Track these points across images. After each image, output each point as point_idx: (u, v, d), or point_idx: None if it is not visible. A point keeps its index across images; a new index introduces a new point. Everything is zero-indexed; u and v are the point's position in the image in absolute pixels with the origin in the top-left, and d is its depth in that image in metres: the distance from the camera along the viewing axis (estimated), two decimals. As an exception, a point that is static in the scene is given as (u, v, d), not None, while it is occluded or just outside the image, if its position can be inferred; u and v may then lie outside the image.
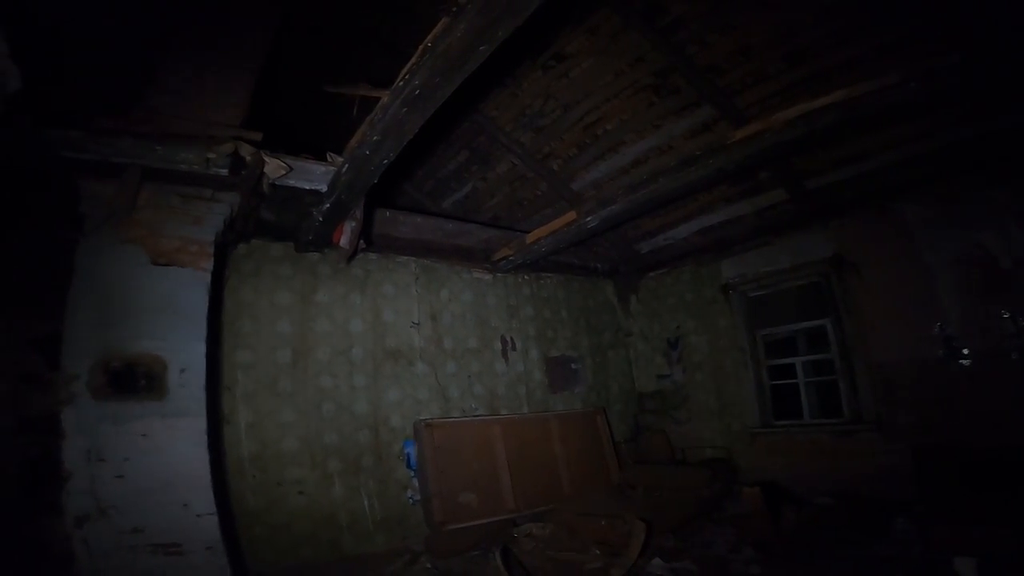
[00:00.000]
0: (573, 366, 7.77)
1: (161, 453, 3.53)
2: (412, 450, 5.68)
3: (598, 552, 4.90)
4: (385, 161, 3.68)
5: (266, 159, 3.82)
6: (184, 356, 3.75)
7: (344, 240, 4.88)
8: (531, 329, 7.40)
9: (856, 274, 5.98)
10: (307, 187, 4.19)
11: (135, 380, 3.56)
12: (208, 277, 3.94)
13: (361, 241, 5.01)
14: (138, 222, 3.69)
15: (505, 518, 5.70)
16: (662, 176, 4.81)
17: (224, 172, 3.74)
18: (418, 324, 6.28)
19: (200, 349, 3.81)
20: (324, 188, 4.24)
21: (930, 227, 5.45)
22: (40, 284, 3.33)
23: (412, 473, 5.67)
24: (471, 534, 5.40)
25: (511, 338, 7.13)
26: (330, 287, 5.67)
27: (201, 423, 3.72)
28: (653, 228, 7.35)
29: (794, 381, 6.76)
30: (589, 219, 5.46)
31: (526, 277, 7.48)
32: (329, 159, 4.15)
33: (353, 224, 4.72)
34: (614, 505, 5.79)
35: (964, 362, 5.26)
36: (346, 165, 3.84)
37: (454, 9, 2.48)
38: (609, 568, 4.56)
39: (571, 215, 5.62)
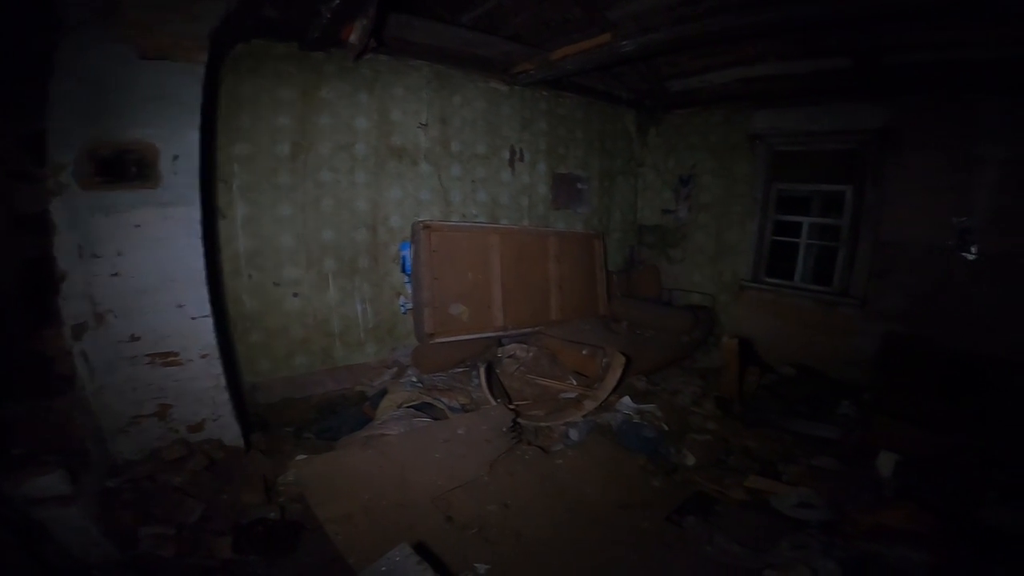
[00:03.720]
0: (579, 186, 7.65)
1: (156, 246, 3.53)
2: (408, 253, 5.64)
3: (574, 382, 5.25)
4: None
5: (268, -52, 3.26)
6: (177, 143, 3.60)
7: (354, 36, 4.40)
8: (542, 143, 7.12)
9: (897, 149, 5.59)
10: (317, -18, 3.64)
11: (125, 167, 3.43)
12: (202, 70, 3.64)
13: (372, 40, 4.51)
14: (126, 21, 3.31)
15: (492, 335, 5.94)
16: (722, 13, 4.24)
17: (221, -35, 3.23)
18: (426, 125, 5.97)
19: (194, 136, 3.65)
20: (336, -19, 3.69)
21: (1003, 121, 4.94)
22: (22, 84, 3.05)
23: (406, 278, 5.74)
24: (458, 349, 5.65)
25: (520, 149, 6.88)
26: (335, 85, 5.25)
27: (196, 212, 3.67)
28: (690, 69, 6.67)
29: (796, 240, 6.72)
30: (624, 43, 4.96)
31: (544, 93, 7.00)
32: (343, -50, 3.54)
33: (365, 22, 4.22)
34: (598, 336, 6.04)
35: (971, 257, 5.17)
36: (362, -45, 3.32)
37: None
38: (583, 399, 4.92)
39: (605, 37, 5.09)
